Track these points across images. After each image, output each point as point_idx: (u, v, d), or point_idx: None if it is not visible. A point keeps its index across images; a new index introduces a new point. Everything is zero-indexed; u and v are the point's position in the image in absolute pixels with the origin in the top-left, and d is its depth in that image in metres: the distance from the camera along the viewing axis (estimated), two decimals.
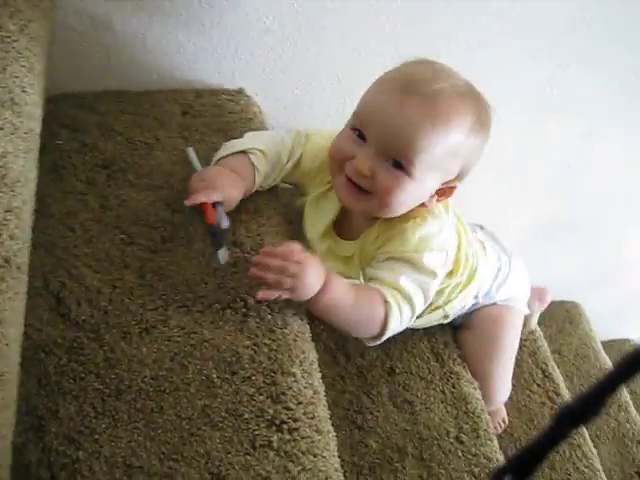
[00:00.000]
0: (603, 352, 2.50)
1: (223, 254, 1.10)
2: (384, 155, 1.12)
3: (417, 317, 1.25)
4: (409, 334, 1.44)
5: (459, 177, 1.20)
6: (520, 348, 1.68)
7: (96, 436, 0.90)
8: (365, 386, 1.32)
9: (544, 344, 1.96)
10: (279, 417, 0.94)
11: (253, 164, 1.21)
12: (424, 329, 1.46)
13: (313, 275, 1.05)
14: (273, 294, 1.04)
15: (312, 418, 0.96)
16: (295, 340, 1.04)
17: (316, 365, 1.06)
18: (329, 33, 1.40)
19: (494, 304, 1.55)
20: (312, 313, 1.14)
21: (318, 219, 1.33)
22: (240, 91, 1.44)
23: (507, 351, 1.58)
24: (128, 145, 1.27)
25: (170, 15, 1.31)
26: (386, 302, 1.14)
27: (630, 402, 2.32)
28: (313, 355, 1.07)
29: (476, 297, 1.50)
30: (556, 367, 1.91)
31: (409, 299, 1.17)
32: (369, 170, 1.12)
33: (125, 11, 1.30)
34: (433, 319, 1.45)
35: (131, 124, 1.32)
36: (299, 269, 1.03)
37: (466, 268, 1.37)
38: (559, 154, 1.94)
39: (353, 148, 1.14)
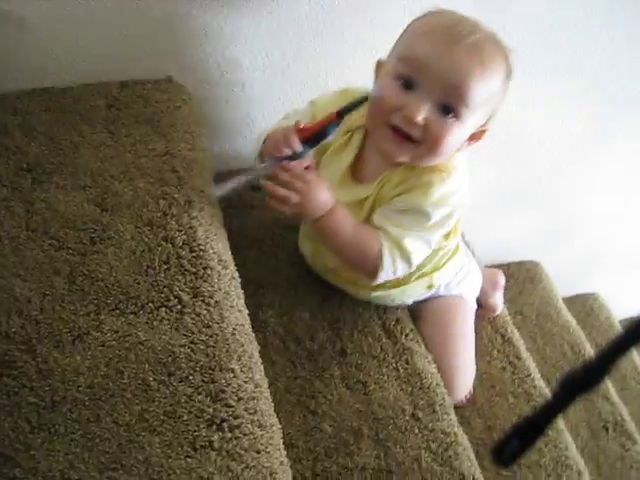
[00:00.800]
0: (565, 310, 2.51)
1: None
2: (437, 101, 1.14)
3: (403, 285, 1.40)
4: (359, 312, 1.42)
5: (487, 122, 1.24)
6: (477, 315, 1.68)
7: (32, 452, 0.87)
8: (317, 370, 1.30)
9: (503, 308, 1.95)
10: (219, 415, 0.91)
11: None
12: (375, 305, 1.44)
13: (318, 195, 1.18)
14: (280, 206, 1.18)
15: (254, 413, 0.94)
16: (233, 334, 1.01)
17: (257, 358, 1.04)
18: (255, 12, 1.36)
19: (449, 296, 1.58)
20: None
21: (335, 167, 1.34)
22: (167, 79, 1.40)
23: (465, 340, 1.60)
24: (52, 145, 1.23)
25: (87, 8, 1.27)
26: (381, 256, 1.23)
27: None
28: (253, 347, 1.04)
29: (437, 288, 1.53)
30: (516, 331, 1.90)
31: (407, 257, 1.25)
32: (423, 118, 1.13)
33: (41, 6, 1.26)
34: (418, 289, 1.48)
35: (54, 123, 1.27)
36: (306, 187, 1.16)
37: (457, 234, 1.42)
38: (506, 117, 1.92)
39: (401, 97, 1.15)
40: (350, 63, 1.55)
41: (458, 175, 1.23)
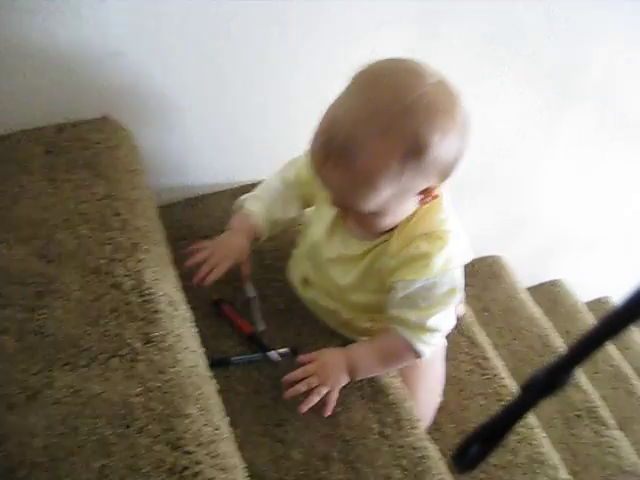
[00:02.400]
0: (530, 301, 2.53)
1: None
2: None
3: None
4: (318, 334, 1.42)
5: (436, 183, 1.11)
6: None
7: None
8: (281, 397, 1.29)
9: (467, 310, 1.96)
10: (180, 463, 0.90)
11: (247, 215, 1.39)
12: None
13: (334, 371, 1.29)
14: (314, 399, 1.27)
15: (215, 457, 0.93)
16: (188, 377, 1.00)
17: (215, 398, 1.03)
18: (185, 44, 1.35)
19: None
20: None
21: (324, 216, 1.33)
22: (104, 118, 1.38)
23: (431, 376, 1.60)
24: None
25: (13, 54, 1.24)
26: (414, 350, 1.27)
27: (563, 346, 2.35)
28: (210, 388, 1.04)
29: None
30: (481, 331, 1.91)
31: (436, 330, 1.27)
32: (337, 206, 1.19)
33: None
34: None
35: None
36: (318, 378, 1.27)
37: None
38: None
39: None
40: (289, 84, 1.54)
41: (453, 237, 1.18)
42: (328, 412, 1.28)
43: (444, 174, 1.10)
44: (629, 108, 2.30)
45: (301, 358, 1.32)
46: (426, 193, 1.12)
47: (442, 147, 1.03)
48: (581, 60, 1.99)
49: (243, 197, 1.43)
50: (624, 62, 2.08)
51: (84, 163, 1.28)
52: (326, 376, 1.28)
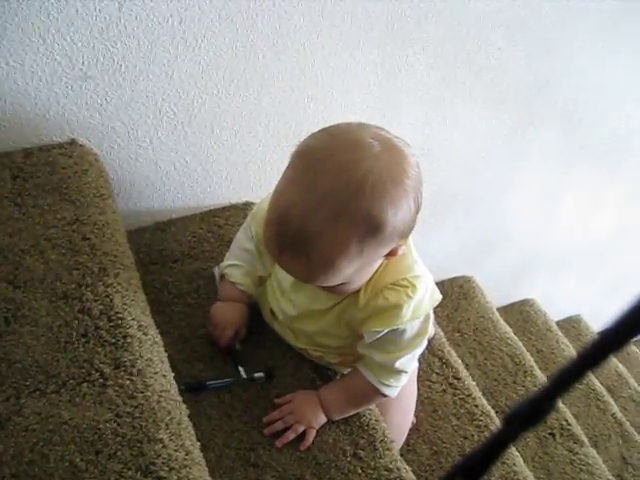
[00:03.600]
0: (502, 321, 2.53)
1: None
2: None
3: None
4: (291, 357, 1.41)
5: (399, 242, 1.08)
6: None
7: None
8: (253, 421, 1.29)
9: (438, 331, 1.96)
10: None
11: (233, 282, 1.41)
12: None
13: (308, 412, 1.31)
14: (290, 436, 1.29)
15: None
16: (159, 402, 0.99)
17: (186, 423, 1.02)
18: (153, 68, 1.35)
19: None
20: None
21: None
22: (72, 142, 1.37)
23: (405, 398, 1.59)
24: None
25: None
26: (381, 393, 1.29)
27: (535, 365, 2.36)
28: (181, 412, 1.02)
29: None
30: (452, 351, 1.91)
31: (404, 373, 1.28)
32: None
33: None
34: None
35: None
36: (294, 416, 1.29)
37: None
38: (416, 140, 1.94)
39: None
40: (257, 107, 1.55)
41: (422, 281, 1.17)
42: (302, 447, 1.28)
43: (406, 234, 1.08)
44: (592, 129, 2.33)
45: (277, 401, 1.34)
46: (390, 253, 1.10)
47: (397, 218, 1.00)
48: (543, 82, 2.02)
49: (223, 265, 1.45)
50: (587, 84, 2.12)
51: (52, 188, 1.27)
52: (302, 414, 1.29)
